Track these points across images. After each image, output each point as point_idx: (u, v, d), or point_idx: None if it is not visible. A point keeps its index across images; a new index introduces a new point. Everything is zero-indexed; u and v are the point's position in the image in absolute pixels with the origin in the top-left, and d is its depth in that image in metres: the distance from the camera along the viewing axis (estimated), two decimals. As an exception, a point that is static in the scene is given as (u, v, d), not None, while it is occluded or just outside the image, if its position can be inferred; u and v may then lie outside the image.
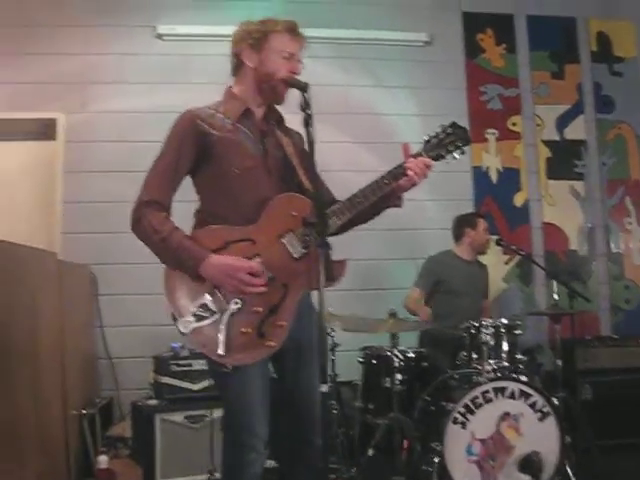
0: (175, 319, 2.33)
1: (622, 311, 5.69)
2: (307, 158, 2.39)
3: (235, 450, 2.37)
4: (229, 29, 4.99)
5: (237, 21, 5.44)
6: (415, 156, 2.49)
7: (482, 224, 4.78)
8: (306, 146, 2.27)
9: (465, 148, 2.55)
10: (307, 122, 2.29)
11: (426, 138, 2.53)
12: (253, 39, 2.52)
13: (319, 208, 2.24)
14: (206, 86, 4.87)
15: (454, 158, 2.53)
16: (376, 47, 5.47)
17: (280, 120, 2.65)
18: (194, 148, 2.42)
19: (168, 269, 2.38)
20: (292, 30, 2.52)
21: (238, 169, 2.41)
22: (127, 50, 5.19)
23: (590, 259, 5.70)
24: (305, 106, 2.30)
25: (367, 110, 5.38)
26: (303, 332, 2.44)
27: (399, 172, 2.46)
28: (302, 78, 2.48)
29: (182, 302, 2.33)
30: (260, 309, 2.33)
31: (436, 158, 2.50)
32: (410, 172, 2.44)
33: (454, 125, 2.53)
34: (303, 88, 2.34)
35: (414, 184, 2.47)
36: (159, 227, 2.33)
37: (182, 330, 2.30)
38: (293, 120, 2.50)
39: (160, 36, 5.22)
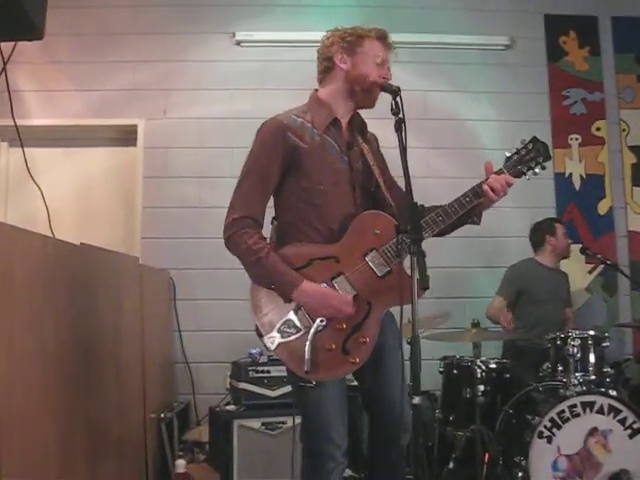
0: (260, 335, 2.41)
1: None
2: (383, 162, 2.66)
3: (315, 460, 2.43)
4: (306, 35, 5.08)
5: (314, 27, 5.48)
6: (497, 173, 2.51)
7: (561, 229, 4.73)
8: (399, 151, 2.30)
9: (546, 164, 2.58)
10: (399, 126, 2.32)
11: (507, 154, 2.56)
12: (347, 42, 2.54)
13: (413, 216, 2.22)
14: (282, 92, 5.06)
15: (535, 174, 2.56)
16: (456, 51, 5.40)
17: (363, 127, 2.68)
18: (283, 162, 2.45)
19: (254, 285, 2.45)
20: (384, 37, 2.57)
21: (323, 185, 2.45)
22: (206, 57, 5.26)
23: None
24: (397, 110, 2.34)
25: (446, 115, 5.32)
26: (382, 337, 2.48)
27: (480, 190, 2.48)
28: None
29: (268, 318, 2.41)
30: (344, 326, 2.40)
31: (517, 175, 2.53)
32: (489, 191, 2.46)
33: (535, 140, 2.55)
34: (395, 92, 2.38)
35: (494, 202, 2.51)
36: (255, 247, 2.38)
37: (268, 346, 2.39)
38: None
39: (238, 43, 5.27)
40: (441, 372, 4.12)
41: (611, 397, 3.52)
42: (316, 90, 2.64)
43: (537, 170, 2.54)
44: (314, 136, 2.48)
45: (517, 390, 3.84)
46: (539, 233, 4.78)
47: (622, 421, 3.49)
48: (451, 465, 3.75)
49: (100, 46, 5.19)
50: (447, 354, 4.19)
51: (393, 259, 2.41)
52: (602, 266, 5.19)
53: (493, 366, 3.96)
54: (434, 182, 5.02)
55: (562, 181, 5.40)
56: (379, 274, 2.42)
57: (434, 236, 2.52)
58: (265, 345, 2.39)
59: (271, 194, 2.50)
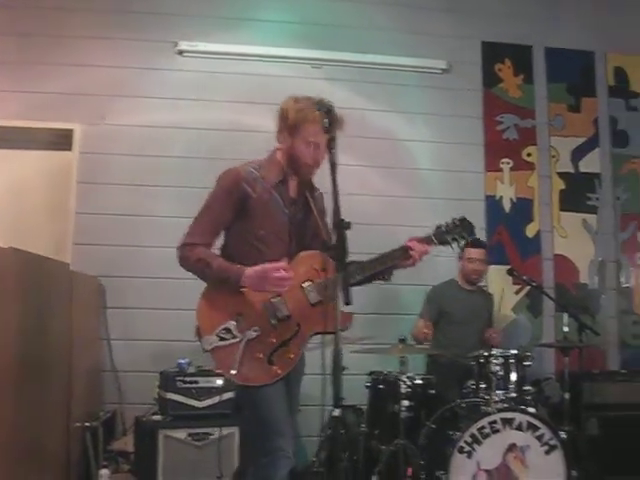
0: (200, 336, 2.73)
1: (630, 346, 5.69)
2: (324, 217, 2.98)
3: (270, 457, 2.64)
4: (249, 49, 5.13)
5: (257, 42, 5.53)
6: (421, 241, 2.87)
7: (468, 253, 4.81)
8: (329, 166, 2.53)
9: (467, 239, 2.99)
10: (331, 145, 2.55)
11: (438, 224, 2.94)
12: (288, 126, 2.84)
13: (341, 233, 2.41)
14: (223, 104, 5.12)
15: (458, 246, 3.00)
16: (395, 72, 5.53)
17: (311, 188, 2.99)
18: (235, 207, 2.81)
19: (206, 291, 2.78)
20: (325, 119, 2.69)
21: (264, 231, 2.81)
22: (148, 65, 5.24)
23: (600, 293, 5.72)
24: (329, 129, 2.58)
25: (384, 135, 5.44)
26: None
27: (403, 254, 2.85)
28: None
29: (209, 322, 2.73)
30: (274, 340, 2.74)
31: (442, 243, 2.92)
32: (413, 255, 2.84)
33: (463, 220, 2.94)
34: (328, 111, 2.64)
35: (411, 266, 2.89)
36: (202, 255, 2.76)
37: (205, 346, 2.71)
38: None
39: (180, 52, 5.28)
40: (368, 386, 4.19)
41: (529, 414, 3.67)
42: (276, 149, 2.94)
43: (461, 242, 2.96)
44: (264, 189, 2.83)
45: (441, 406, 3.95)
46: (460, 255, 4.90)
47: (539, 437, 3.65)
48: (374, 479, 3.80)
49: (41, 48, 5.12)
50: (376, 369, 4.27)
51: (325, 291, 2.72)
52: (528, 287, 5.35)
53: (419, 382, 4.07)
54: (370, 199, 5.18)
55: (493, 203, 5.59)
56: (311, 302, 2.77)
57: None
58: (202, 345, 2.71)
59: (222, 230, 2.87)
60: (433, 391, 4.12)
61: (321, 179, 2.86)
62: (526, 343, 5.24)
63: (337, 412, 2.26)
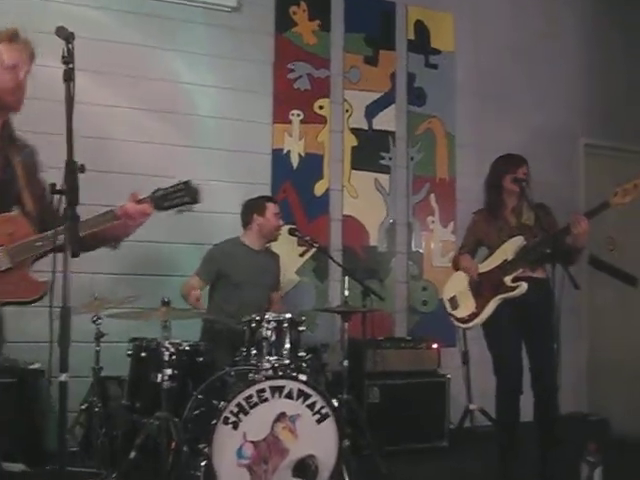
0: None
1: (419, 313, 6.01)
2: (34, 176, 2.80)
3: None
4: None
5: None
6: (138, 202, 2.72)
7: (272, 209, 4.81)
8: (65, 102, 2.34)
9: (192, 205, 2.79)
10: (68, 76, 2.34)
11: (157, 188, 2.76)
12: None
13: (71, 176, 2.30)
14: None
15: (180, 212, 2.78)
16: (177, 6, 5.38)
17: (12, 138, 2.78)
18: None
19: None
20: (13, 38, 2.66)
21: None
22: None
23: (389, 256, 5.96)
24: (69, 59, 2.36)
25: (161, 76, 5.29)
26: None
27: (113, 213, 2.71)
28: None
29: None
30: None
31: (159, 208, 2.74)
32: (125, 215, 2.71)
33: (187, 183, 2.75)
34: (67, 38, 2.37)
35: (129, 229, 2.80)
36: None
37: None
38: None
39: None
40: (129, 355, 4.13)
41: (301, 382, 3.71)
42: None
43: (182, 209, 2.76)
44: None
45: (212, 375, 3.94)
46: (248, 211, 4.84)
47: (311, 406, 3.70)
48: (132, 455, 3.74)
49: None
50: (138, 335, 4.22)
51: (17, 257, 2.62)
52: (314, 250, 5.41)
53: (185, 349, 4.06)
54: (141, 146, 5.05)
55: (280, 158, 5.63)
56: (2, 268, 2.62)
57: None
58: None
59: None
60: (202, 359, 4.12)
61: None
62: (310, 308, 5.36)
63: (63, 377, 2.17)
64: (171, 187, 2.74)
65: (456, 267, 4.45)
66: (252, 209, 4.82)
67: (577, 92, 6.81)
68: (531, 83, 6.62)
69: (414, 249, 6.09)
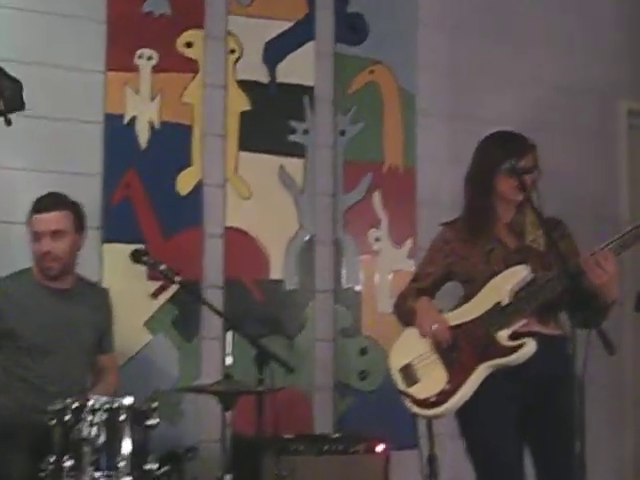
0: None
1: (353, 392, 4.51)
2: None
3: None
4: None
5: None
6: None
7: (35, 224, 3.69)
8: None
9: None
10: None
11: None
12: None
13: None
14: None
15: None
16: None
17: None
18: None
19: None
20: None
21: None
22: None
23: (304, 298, 4.48)
24: None
25: None
26: None
27: None
28: None
29: None
30: None
31: None
32: None
33: None
34: None
35: None
36: None
37: None
38: None
39: None
40: None
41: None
42: None
43: None
44: None
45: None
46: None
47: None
48: None
49: None
50: None
51: None
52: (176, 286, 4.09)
53: None
54: None
55: (117, 130, 4.15)
56: None
57: None
58: None
59: None
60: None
61: None
62: (168, 386, 4.04)
63: None
64: None
65: (406, 319, 3.42)
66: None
67: (616, 34, 5.41)
68: (548, 15, 5.09)
69: (345, 285, 4.56)
